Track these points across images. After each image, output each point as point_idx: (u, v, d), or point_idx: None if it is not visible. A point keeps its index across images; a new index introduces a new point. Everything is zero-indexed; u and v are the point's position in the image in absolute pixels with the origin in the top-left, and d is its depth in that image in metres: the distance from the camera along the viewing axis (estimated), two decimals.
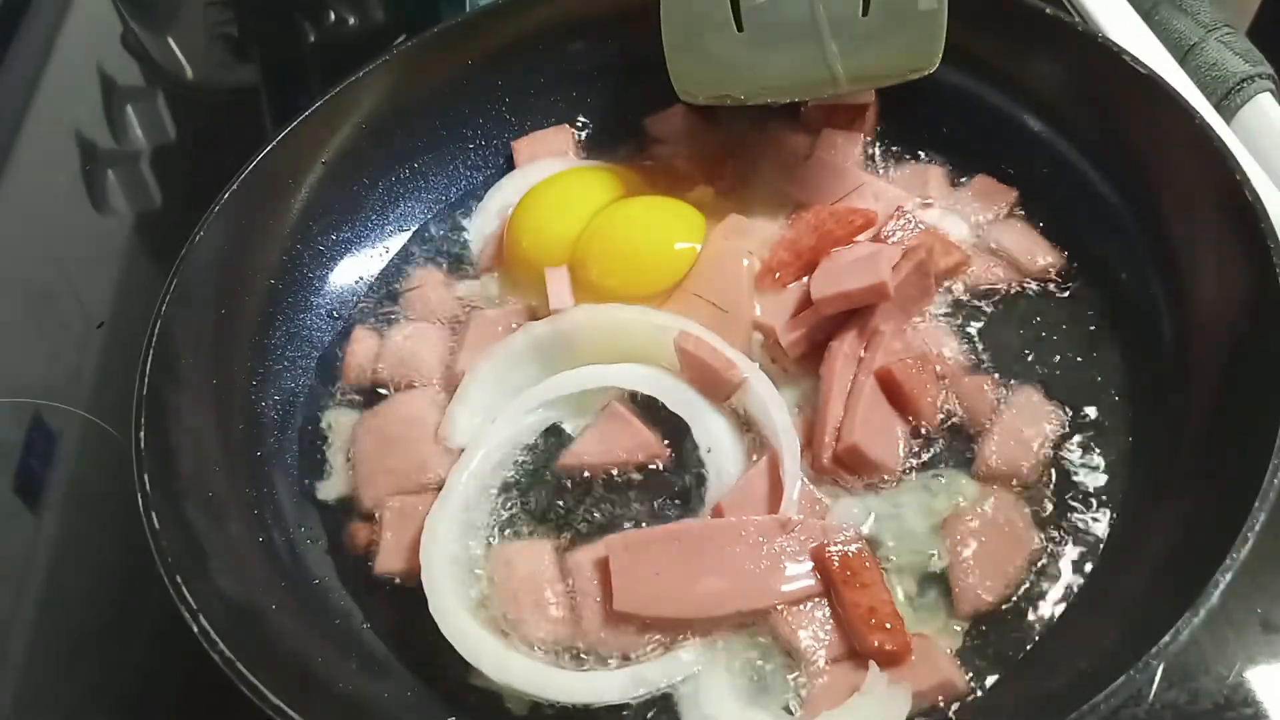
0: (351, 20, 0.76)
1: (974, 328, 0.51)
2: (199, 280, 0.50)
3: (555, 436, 0.50)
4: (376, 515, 0.49)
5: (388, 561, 0.47)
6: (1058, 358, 0.50)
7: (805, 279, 0.52)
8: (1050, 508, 0.45)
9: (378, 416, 0.53)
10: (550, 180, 0.60)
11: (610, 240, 0.55)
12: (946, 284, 0.53)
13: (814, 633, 0.42)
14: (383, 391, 0.54)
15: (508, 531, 0.48)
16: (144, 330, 0.47)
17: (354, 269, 0.60)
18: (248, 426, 0.51)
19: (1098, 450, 0.47)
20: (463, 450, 0.50)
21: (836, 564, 0.43)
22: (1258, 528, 0.36)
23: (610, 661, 0.43)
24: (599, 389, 0.51)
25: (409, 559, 0.47)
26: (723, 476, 0.47)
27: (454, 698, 0.44)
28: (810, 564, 0.43)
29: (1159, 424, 0.46)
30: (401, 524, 0.48)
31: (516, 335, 0.51)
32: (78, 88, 0.81)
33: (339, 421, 0.54)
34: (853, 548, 0.43)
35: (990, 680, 0.41)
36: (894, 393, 0.48)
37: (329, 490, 0.51)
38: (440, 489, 0.49)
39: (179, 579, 0.40)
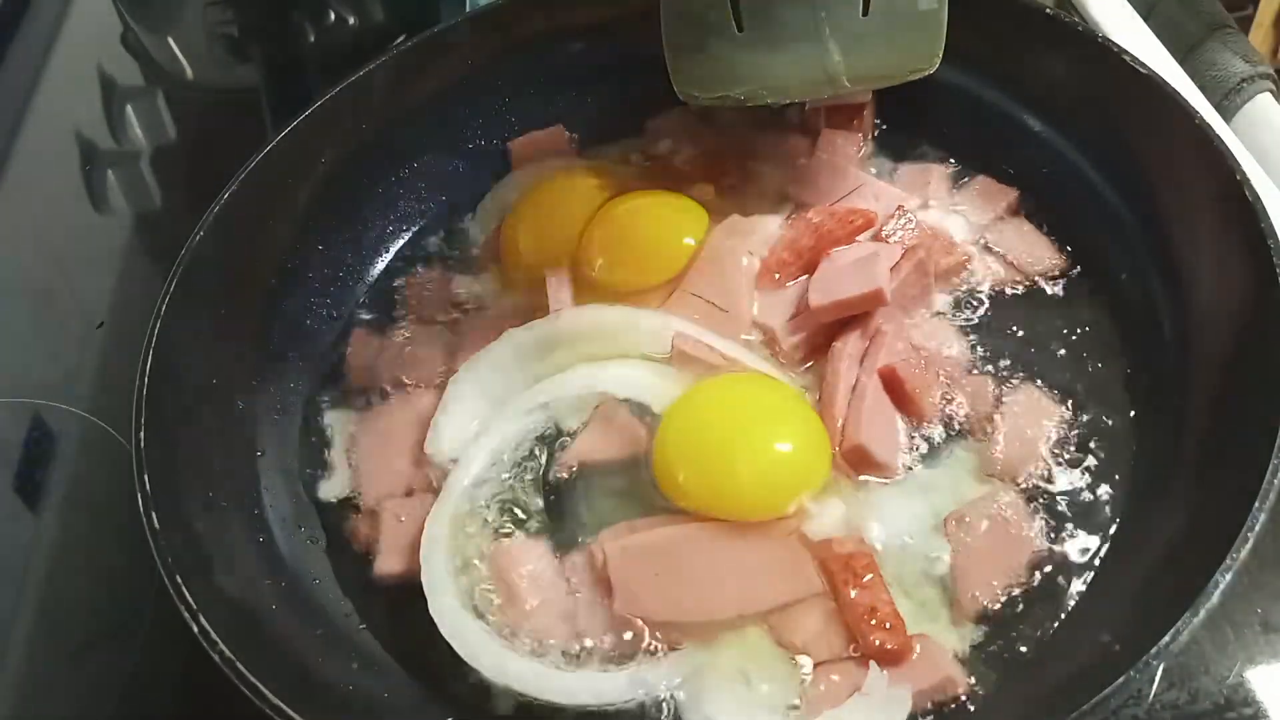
0: (351, 21, 0.76)
1: (975, 327, 0.51)
2: (199, 280, 0.50)
3: (554, 437, 0.50)
4: (376, 516, 0.49)
5: (387, 562, 0.47)
6: (1059, 357, 0.50)
7: (805, 278, 0.52)
8: (1051, 507, 0.45)
9: (378, 417, 0.53)
10: (547, 181, 0.60)
11: (615, 233, 0.55)
12: (947, 284, 0.53)
13: (814, 633, 0.42)
14: (384, 391, 0.54)
15: (507, 532, 0.47)
16: (144, 330, 0.47)
17: (354, 269, 0.59)
18: (248, 426, 0.51)
19: (1099, 450, 0.46)
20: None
21: (836, 564, 0.43)
22: (1258, 528, 0.36)
23: (610, 663, 0.43)
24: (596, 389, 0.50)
25: (409, 560, 0.47)
26: None
27: (454, 698, 0.43)
28: (810, 564, 0.43)
29: (1159, 424, 0.46)
30: (401, 525, 0.48)
31: (499, 343, 0.51)
32: (78, 87, 0.81)
33: (340, 421, 0.54)
34: (852, 547, 0.43)
35: (991, 680, 0.41)
36: (896, 392, 0.48)
37: (329, 490, 0.51)
38: (439, 490, 0.48)
39: (179, 579, 0.40)
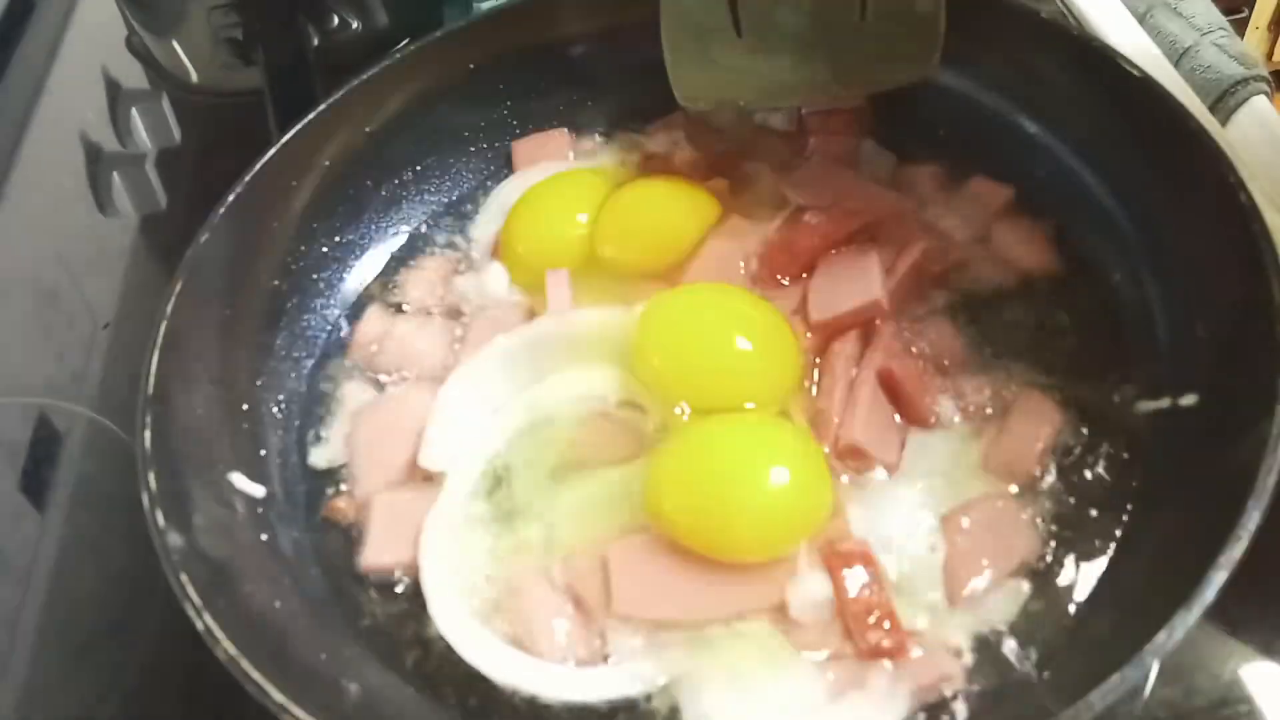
0: (355, 25, 0.77)
1: (972, 327, 0.51)
2: (203, 282, 0.51)
3: (550, 439, 0.50)
4: (367, 507, 0.49)
5: (375, 556, 0.47)
6: (1055, 357, 0.50)
7: (803, 279, 0.52)
8: (1048, 506, 0.45)
9: (377, 409, 0.53)
10: (546, 183, 0.60)
11: (630, 212, 0.56)
12: (944, 284, 0.53)
13: (813, 630, 0.43)
14: (384, 385, 0.54)
15: (505, 533, 0.48)
16: (149, 331, 0.47)
17: (357, 270, 0.60)
18: (252, 426, 0.52)
19: (1094, 450, 0.47)
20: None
21: (835, 562, 0.43)
22: (1253, 526, 0.37)
23: (610, 660, 0.43)
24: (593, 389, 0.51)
25: (397, 553, 0.47)
26: None
27: (454, 695, 0.44)
28: (809, 560, 0.44)
29: (1154, 424, 0.47)
30: (392, 518, 0.48)
31: (486, 351, 0.51)
32: (83, 91, 0.81)
33: (340, 419, 0.54)
34: (850, 545, 0.44)
35: (988, 677, 0.42)
36: (894, 392, 0.48)
37: (330, 491, 0.51)
38: (434, 483, 0.49)
39: (183, 577, 0.40)
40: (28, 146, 0.77)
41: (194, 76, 0.80)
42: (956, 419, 0.48)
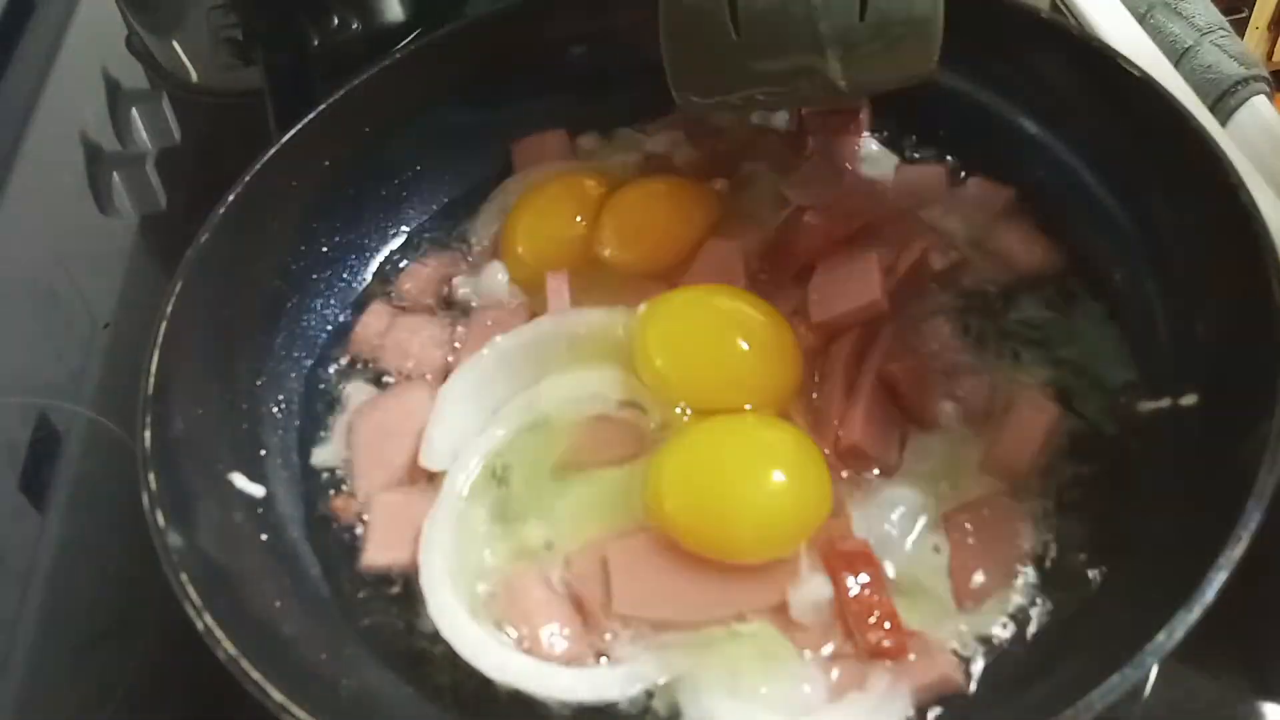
0: (355, 25, 0.77)
1: (972, 327, 0.52)
2: (204, 282, 0.51)
3: (549, 439, 0.50)
4: (367, 507, 0.49)
5: (375, 556, 0.47)
6: (1056, 357, 0.50)
7: (802, 280, 0.53)
8: (1048, 505, 0.46)
9: (377, 409, 0.53)
10: (547, 183, 0.60)
11: (631, 211, 0.56)
12: (944, 284, 0.53)
13: (813, 630, 0.43)
14: (385, 384, 0.54)
15: (505, 533, 0.48)
16: (149, 331, 0.47)
17: (357, 270, 0.60)
18: (252, 426, 0.52)
19: (1095, 449, 0.47)
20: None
21: (836, 562, 0.43)
22: (1253, 526, 0.37)
23: (610, 659, 0.43)
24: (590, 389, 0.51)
25: (397, 554, 0.47)
26: None
27: (455, 695, 0.44)
28: (810, 562, 0.44)
29: (1154, 424, 0.47)
30: (392, 518, 0.48)
31: (485, 351, 0.51)
32: (83, 91, 0.81)
33: (340, 415, 0.54)
34: (851, 545, 0.44)
35: (988, 677, 0.42)
36: (894, 392, 0.48)
37: (330, 491, 0.52)
38: (434, 483, 0.49)
39: (183, 577, 0.40)
40: (28, 146, 0.77)
41: (194, 76, 0.80)
42: (956, 419, 0.48)
